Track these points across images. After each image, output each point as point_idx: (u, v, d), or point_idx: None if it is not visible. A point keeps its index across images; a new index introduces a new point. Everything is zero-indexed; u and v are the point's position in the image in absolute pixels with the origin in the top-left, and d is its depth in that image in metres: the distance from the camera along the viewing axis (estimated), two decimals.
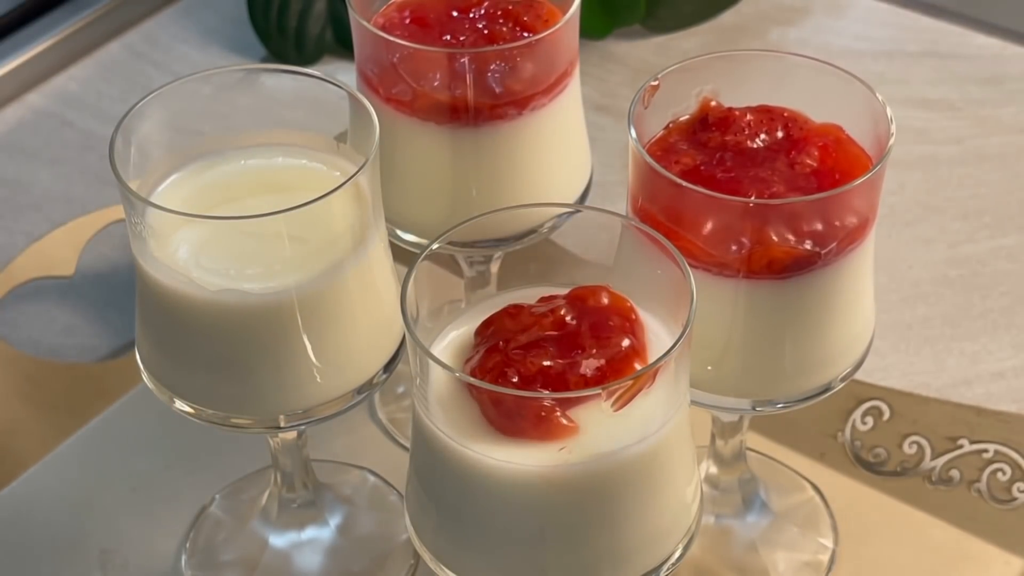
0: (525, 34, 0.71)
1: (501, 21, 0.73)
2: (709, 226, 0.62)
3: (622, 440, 0.55)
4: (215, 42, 1.15)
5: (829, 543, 0.77)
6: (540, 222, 0.72)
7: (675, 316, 0.58)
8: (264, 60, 1.12)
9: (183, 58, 1.14)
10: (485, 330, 0.58)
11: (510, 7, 0.73)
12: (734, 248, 0.62)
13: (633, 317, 0.58)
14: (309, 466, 0.76)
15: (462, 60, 0.70)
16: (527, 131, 0.73)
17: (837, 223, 0.62)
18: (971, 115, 1.05)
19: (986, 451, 0.81)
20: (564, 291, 0.59)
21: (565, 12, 0.72)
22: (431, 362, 0.55)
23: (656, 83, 0.66)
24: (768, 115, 0.66)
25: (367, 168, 0.63)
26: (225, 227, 0.63)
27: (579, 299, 0.58)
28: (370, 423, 0.85)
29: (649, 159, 0.63)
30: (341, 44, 1.11)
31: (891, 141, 0.63)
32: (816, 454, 0.81)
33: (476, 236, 0.63)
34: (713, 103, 0.67)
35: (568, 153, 0.76)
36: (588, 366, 0.56)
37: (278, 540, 0.78)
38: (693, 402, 0.62)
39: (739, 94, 0.67)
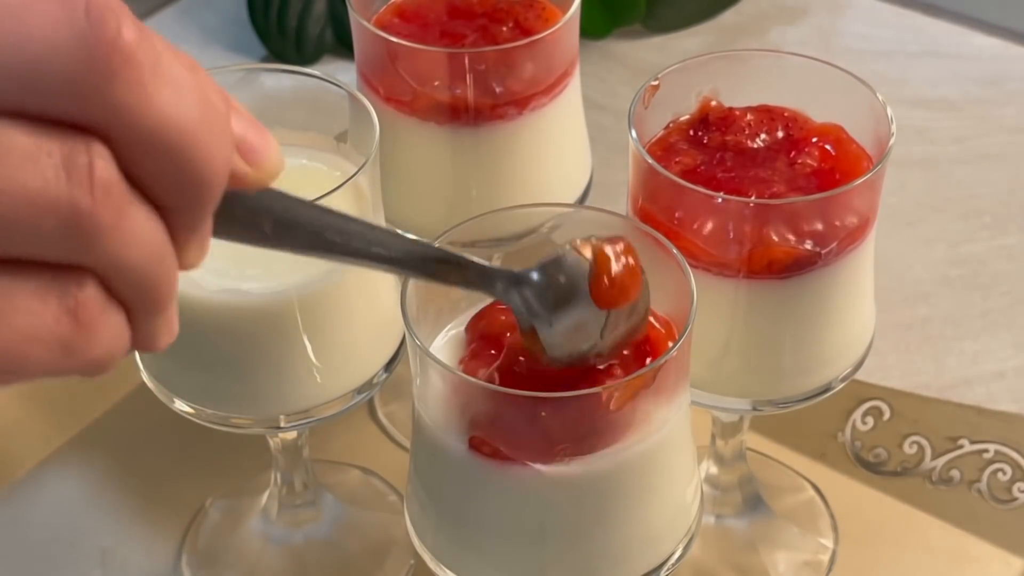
0: (525, 34, 0.71)
1: (501, 21, 0.73)
2: (709, 226, 0.62)
3: (622, 440, 0.55)
4: (215, 42, 1.15)
5: (829, 543, 0.77)
6: (540, 222, 0.72)
7: (675, 316, 0.58)
8: (264, 60, 1.12)
9: None
10: (477, 323, 0.58)
11: (510, 7, 0.73)
12: (734, 248, 0.62)
13: None
14: (309, 466, 0.76)
15: (462, 60, 0.70)
16: (527, 131, 0.73)
17: (837, 223, 0.62)
18: (971, 115, 1.05)
19: (986, 451, 0.81)
20: None
21: (565, 12, 0.72)
22: (431, 362, 0.55)
23: (656, 83, 0.66)
24: (768, 115, 0.66)
25: (367, 168, 0.63)
26: None
27: None
28: (370, 423, 0.85)
29: (649, 159, 0.63)
30: (341, 44, 1.11)
31: (891, 141, 0.63)
32: (816, 454, 0.81)
33: (476, 236, 0.63)
34: (713, 103, 0.67)
35: (568, 153, 0.76)
36: None
37: (278, 540, 0.78)
38: (693, 402, 0.62)
39: (739, 94, 0.67)
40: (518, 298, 0.53)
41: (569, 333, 0.53)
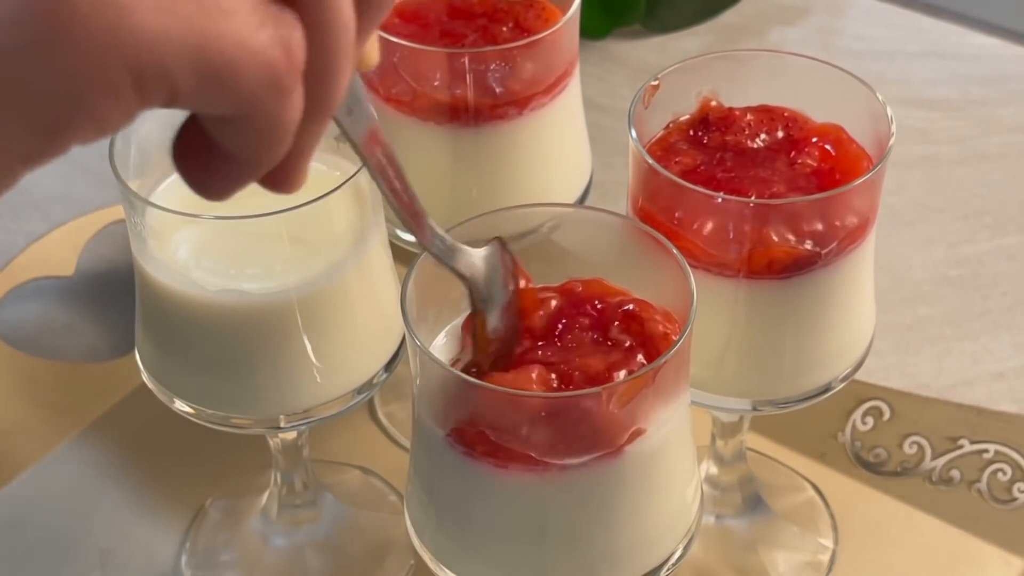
0: (525, 34, 0.71)
1: (501, 21, 0.73)
2: (709, 226, 0.62)
3: (622, 440, 0.55)
4: None
5: (829, 543, 0.77)
6: (540, 222, 0.72)
7: (675, 316, 0.57)
8: None
9: None
10: (473, 322, 0.58)
11: (510, 7, 0.73)
12: (734, 248, 0.62)
13: None
14: (309, 466, 0.76)
15: (462, 60, 0.70)
16: (527, 131, 0.73)
17: (837, 223, 0.62)
18: (971, 115, 1.05)
19: (986, 451, 0.81)
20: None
21: (565, 12, 0.72)
22: (430, 362, 0.55)
23: (656, 83, 0.66)
24: (768, 115, 0.66)
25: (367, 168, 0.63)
26: (225, 227, 0.63)
27: (571, 292, 0.58)
28: (370, 423, 0.85)
29: (649, 159, 0.63)
30: None
31: (891, 141, 0.63)
32: (816, 454, 0.81)
33: (476, 236, 0.63)
34: (713, 103, 0.67)
35: (568, 153, 0.76)
36: None
37: (278, 540, 0.78)
38: (693, 402, 0.62)
39: (739, 94, 0.67)
40: (479, 275, 0.56)
41: (502, 321, 0.56)
